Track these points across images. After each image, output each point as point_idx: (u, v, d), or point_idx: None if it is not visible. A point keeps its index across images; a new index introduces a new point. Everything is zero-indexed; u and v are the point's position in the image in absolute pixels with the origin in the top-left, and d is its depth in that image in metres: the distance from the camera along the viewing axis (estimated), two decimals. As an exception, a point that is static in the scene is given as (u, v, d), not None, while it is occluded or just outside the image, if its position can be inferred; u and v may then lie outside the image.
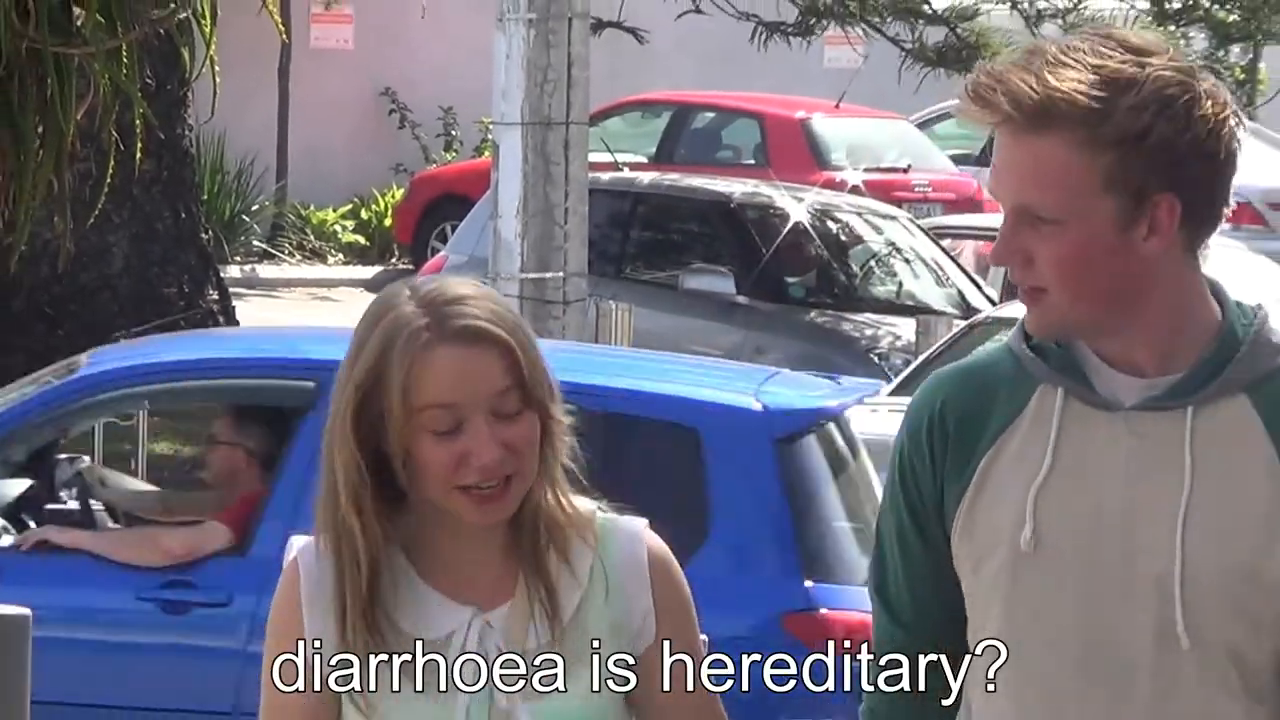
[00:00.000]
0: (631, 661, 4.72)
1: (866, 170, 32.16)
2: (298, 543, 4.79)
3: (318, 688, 4.72)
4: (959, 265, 26.85)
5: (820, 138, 33.42)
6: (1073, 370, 4.59)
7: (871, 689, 4.87)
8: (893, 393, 19.94)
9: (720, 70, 35.96)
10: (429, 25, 38.73)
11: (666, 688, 4.74)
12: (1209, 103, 4.43)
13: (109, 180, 10.56)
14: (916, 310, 24.84)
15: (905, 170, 34.22)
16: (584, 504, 4.77)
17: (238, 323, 28.53)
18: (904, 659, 4.81)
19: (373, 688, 4.70)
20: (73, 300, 25.48)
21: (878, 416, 18.57)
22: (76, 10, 10.18)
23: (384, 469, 4.66)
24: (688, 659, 4.76)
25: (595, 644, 4.72)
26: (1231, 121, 4.47)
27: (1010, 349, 4.72)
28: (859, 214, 27.27)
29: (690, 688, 4.76)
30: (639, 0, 28.34)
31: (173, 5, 10.36)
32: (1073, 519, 4.57)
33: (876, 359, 24.30)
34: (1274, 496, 4.54)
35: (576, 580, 4.74)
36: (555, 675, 4.68)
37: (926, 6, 27.70)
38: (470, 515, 4.66)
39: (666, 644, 4.75)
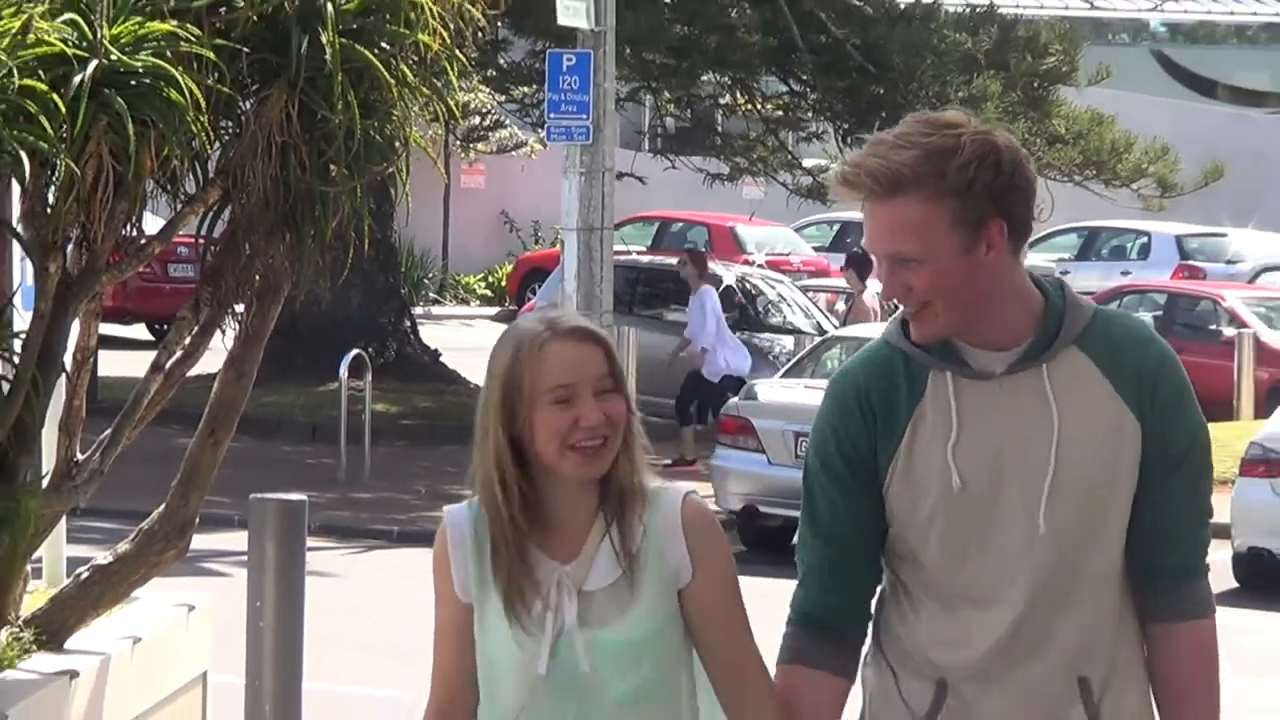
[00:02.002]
0: (673, 597, 4.67)
1: (766, 255, 33.05)
2: (449, 510, 4.85)
3: (464, 600, 4.74)
4: (817, 307, 27.72)
5: (741, 236, 33.74)
6: (952, 356, 4.65)
7: (795, 611, 4.81)
8: (782, 376, 22.23)
9: (687, 199, 35.02)
10: (526, 175, 41.88)
11: (704, 608, 4.68)
12: (1008, 150, 4.56)
13: (349, 259, 9.19)
14: (794, 331, 26.52)
15: (787, 255, 33.74)
16: (649, 478, 4.73)
17: (423, 341, 30.80)
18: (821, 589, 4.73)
19: (493, 615, 4.70)
20: (328, 328, 26.03)
21: (775, 389, 21.03)
22: (332, 168, 8.79)
23: (516, 450, 4.66)
24: (718, 586, 4.69)
25: (643, 585, 4.65)
26: (1025, 158, 4.61)
27: (898, 349, 4.72)
28: (762, 279, 28.46)
29: (721, 605, 4.69)
30: (642, 159, 30.71)
31: (384, 164, 8.99)
32: (980, 464, 4.61)
33: (771, 358, 25.30)
34: (1117, 414, 4.63)
35: (636, 537, 4.66)
36: (609, 611, 4.65)
37: (800, 168, 29.25)
38: (575, 470, 4.64)
39: (702, 584, 4.67)
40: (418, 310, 35.82)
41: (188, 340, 9.40)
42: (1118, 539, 4.67)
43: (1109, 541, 4.67)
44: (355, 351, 23.18)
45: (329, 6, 8.67)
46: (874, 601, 4.81)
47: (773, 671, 4.78)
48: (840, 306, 27.51)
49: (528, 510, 4.66)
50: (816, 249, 34.69)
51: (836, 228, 34.71)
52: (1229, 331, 27.65)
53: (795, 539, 4.91)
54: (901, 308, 4.71)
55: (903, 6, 27.68)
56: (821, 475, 4.71)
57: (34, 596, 9.62)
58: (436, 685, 4.85)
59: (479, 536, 4.74)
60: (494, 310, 44.07)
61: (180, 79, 8.30)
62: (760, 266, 30.26)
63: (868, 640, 4.83)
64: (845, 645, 4.76)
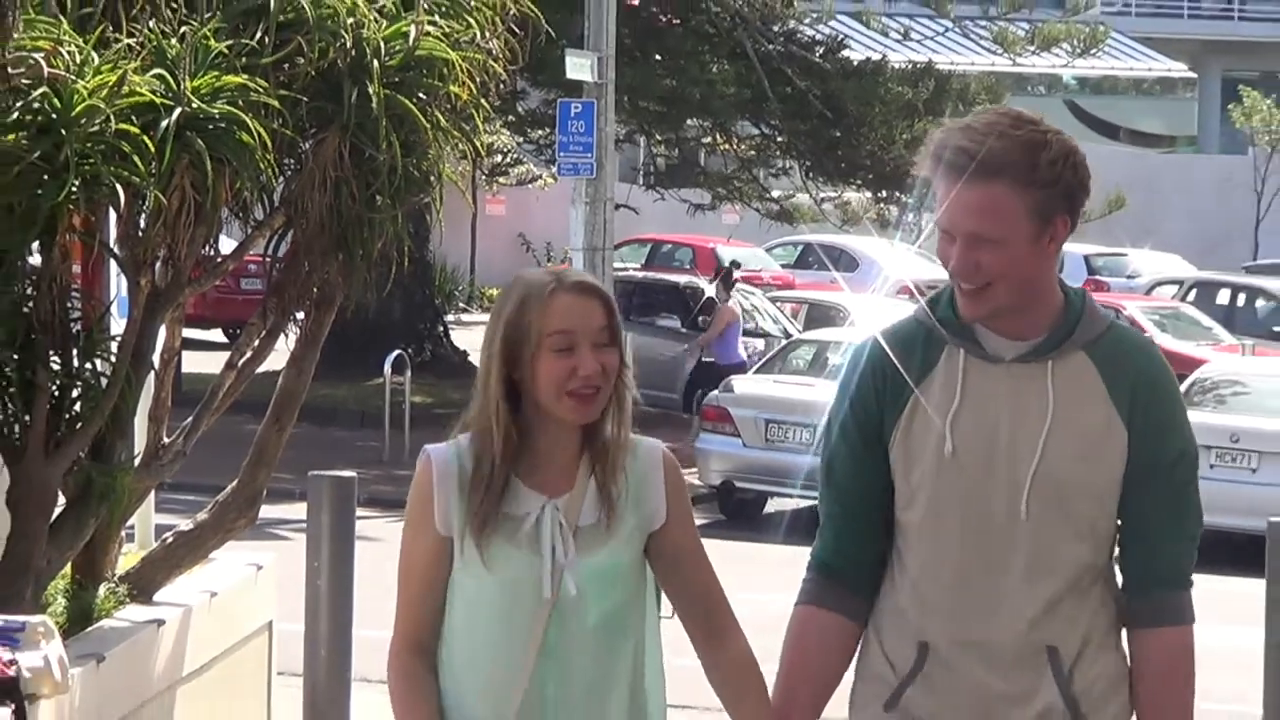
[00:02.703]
0: (650, 532, 4.45)
1: (744, 271, 31.22)
2: (430, 448, 4.47)
3: (443, 534, 4.41)
4: (785, 315, 27.20)
5: (720, 256, 32.23)
6: (969, 336, 4.37)
7: (816, 551, 4.57)
8: (755, 373, 21.77)
9: (674, 224, 34.54)
10: (541, 204, 41.48)
11: (676, 549, 4.46)
12: (1082, 154, 4.32)
13: (391, 275, 9.05)
14: (764, 335, 26.02)
15: (759, 271, 32.97)
16: (629, 432, 4.46)
17: (453, 343, 30.58)
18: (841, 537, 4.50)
19: (478, 539, 4.36)
20: (374, 332, 25.73)
21: (749, 383, 20.85)
22: (378, 198, 8.78)
23: (514, 391, 4.36)
24: (687, 529, 4.49)
25: (626, 520, 4.42)
26: (1085, 161, 4.36)
27: (921, 323, 4.43)
28: (739, 291, 27.03)
29: (690, 546, 4.48)
30: (637, 191, 30.74)
31: (421, 195, 9.01)
32: (975, 436, 4.34)
33: (748, 356, 24.54)
34: (1106, 419, 4.34)
35: (620, 478, 4.41)
36: (595, 542, 4.39)
37: (769, 198, 29.31)
38: (570, 413, 4.34)
39: (675, 526, 4.46)
40: (449, 317, 35.55)
41: (256, 342, 9.44)
42: (1093, 536, 4.36)
43: (1084, 536, 4.35)
44: (397, 352, 23.44)
45: (375, 63, 8.67)
46: (885, 554, 4.53)
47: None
48: (802, 315, 27.38)
49: (517, 447, 4.37)
50: (784, 266, 34.29)
51: (800, 248, 34.69)
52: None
53: (818, 495, 4.65)
54: (923, 291, 4.67)
55: (855, 63, 27.57)
56: (836, 431, 4.49)
57: (127, 558, 9.62)
58: (405, 614, 4.49)
59: (464, 472, 4.42)
60: (515, 318, 44.57)
61: (250, 124, 8.30)
62: (737, 280, 28.98)
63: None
64: (856, 591, 4.52)
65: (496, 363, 4.35)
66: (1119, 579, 4.49)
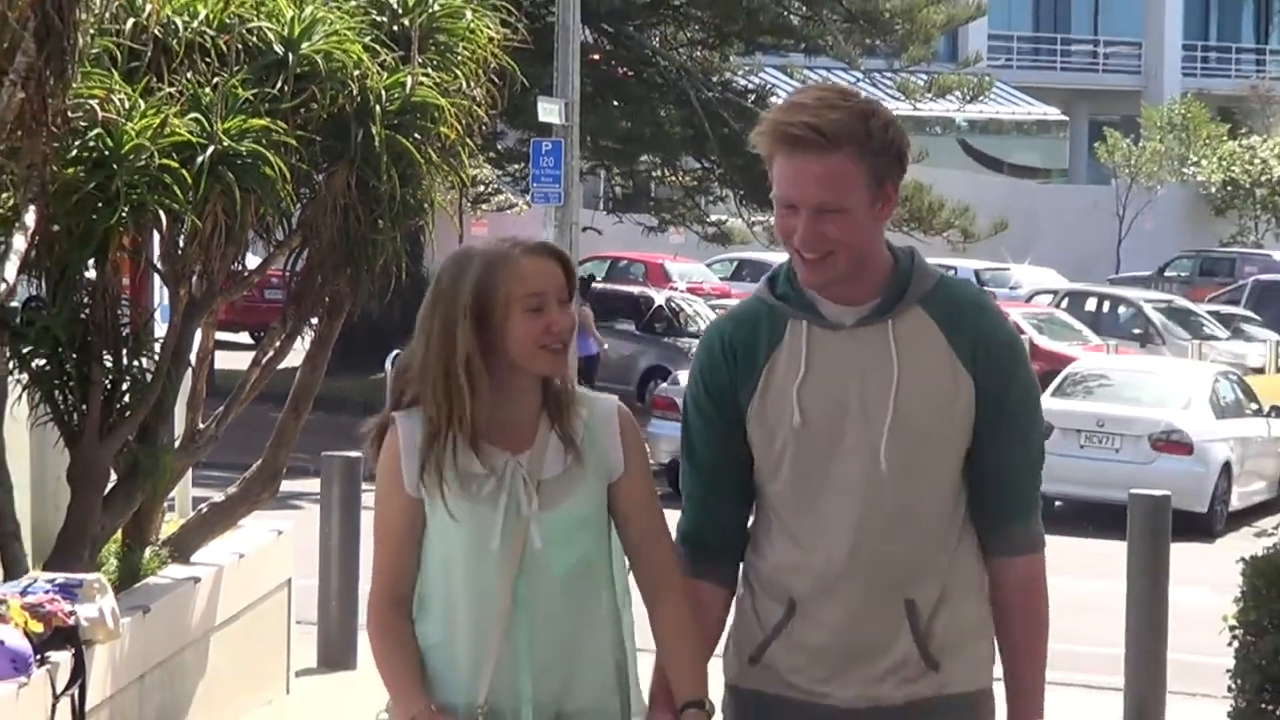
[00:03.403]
0: (609, 483, 3.94)
1: (686, 283, 31.63)
2: (397, 414, 3.92)
3: (414, 495, 3.88)
4: None
5: (669, 270, 32.25)
6: (809, 308, 3.86)
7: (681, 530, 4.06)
8: None
9: (630, 243, 32.84)
10: (517, 227, 38.19)
11: (631, 501, 3.96)
12: (897, 121, 3.84)
13: (392, 286, 8.97)
14: None
15: (701, 283, 32.31)
16: (579, 388, 4.00)
17: None
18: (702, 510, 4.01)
19: (447, 497, 3.85)
20: (376, 334, 23.65)
21: None
22: (380, 222, 8.82)
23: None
24: (642, 482, 3.99)
25: (585, 474, 3.91)
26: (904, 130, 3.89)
27: (762, 300, 3.91)
28: (683, 300, 27.48)
29: (645, 501, 3.98)
30: (599, 216, 30.34)
31: (417, 219, 8.96)
32: (824, 403, 3.83)
33: (689, 355, 22.01)
34: (952, 370, 3.85)
35: (579, 431, 3.91)
36: (558, 494, 3.88)
37: (709, 222, 29.40)
38: (548, 367, 3.87)
39: (631, 477, 3.95)
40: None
41: (278, 343, 9.38)
42: (949, 479, 3.87)
43: (940, 482, 3.87)
44: (396, 351, 21.53)
45: (377, 108, 8.66)
46: (748, 523, 4.05)
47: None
48: None
49: (478, 407, 3.85)
50: (721, 279, 33.85)
51: (735, 263, 34.65)
52: (1020, 336, 27.08)
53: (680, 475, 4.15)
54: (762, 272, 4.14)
55: None
56: (694, 413, 3.95)
57: (169, 525, 9.58)
58: (382, 571, 3.96)
59: (424, 435, 3.87)
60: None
61: (272, 159, 8.29)
62: (682, 291, 29.37)
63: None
64: (721, 559, 4.02)
65: (467, 328, 3.80)
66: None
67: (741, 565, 4.06)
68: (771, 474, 3.91)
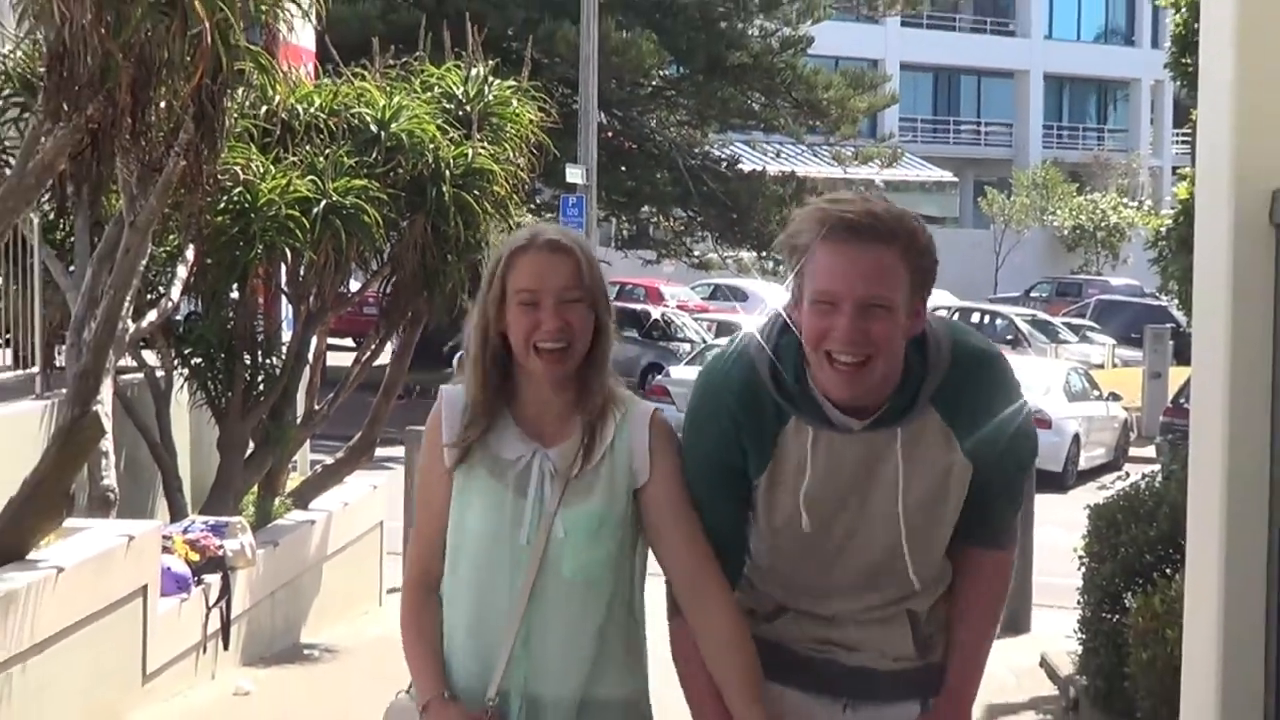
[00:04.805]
0: (637, 486, 2.84)
1: (676, 301, 29.73)
2: (444, 388, 2.92)
3: (449, 473, 2.84)
4: (702, 329, 25.10)
5: (663, 292, 30.17)
6: (816, 412, 2.69)
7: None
8: (685, 365, 20.54)
9: (635, 272, 30.53)
10: None
11: (657, 508, 2.83)
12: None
13: (458, 305, 8.57)
14: (688, 340, 24.42)
15: (687, 301, 30.40)
16: (618, 386, 2.88)
17: None
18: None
19: (470, 485, 2.83)
20: (446, 340, 22.85)
21: (680, 370, 19.44)
22: (449, 257, 8.59)
23: (497, 345, 2.84)
24: (670, 490, 2.82)
25: (614, 473, 2.84)
26: None
27: (764, 388, 2.73)
28: (674, 314, 26.01)
29: (673, 509, 2.82)
30: (611, 252, 29.30)
31: (477, 256, 8.56)
32: (828, 505, 2.73)
33: (679, 354, 23.17)
34: (951, 462, 2.73)
35: (609, 432, 2.84)
36: (585, 492, 2.82)
37: (693, 255, 28.71)
38: (540, 369, 2.82)
39: (658, 483, 2.83)
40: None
41: (373, 347, 9.38)
42: (946, 538, 2.84)
43: (940, 544, 2.83)
44: (461, 352, 22.62)
45: (447, 172, 8.63)
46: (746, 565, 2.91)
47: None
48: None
49: (508, 394, 2.87)
50: (702, 298, 32.50)
51: (712, 287, 34.14)
52: None
53: None
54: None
55: (746, 172, 27.16)
56: (703, 481, 2.80)
57: (292, 480, 9.55)
58: (418, 546, 2.93)
59: (461, 413, 2.91)
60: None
61: (369, 210, 8.28)
62: (672, 308, 28.33)
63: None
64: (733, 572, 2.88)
65: (488, 316, 2.84)
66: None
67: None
68: (768, 535, 2.82)
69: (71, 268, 7.79)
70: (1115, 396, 19.37)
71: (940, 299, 35.48)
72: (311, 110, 8.60)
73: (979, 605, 2.92)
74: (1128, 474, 8.06)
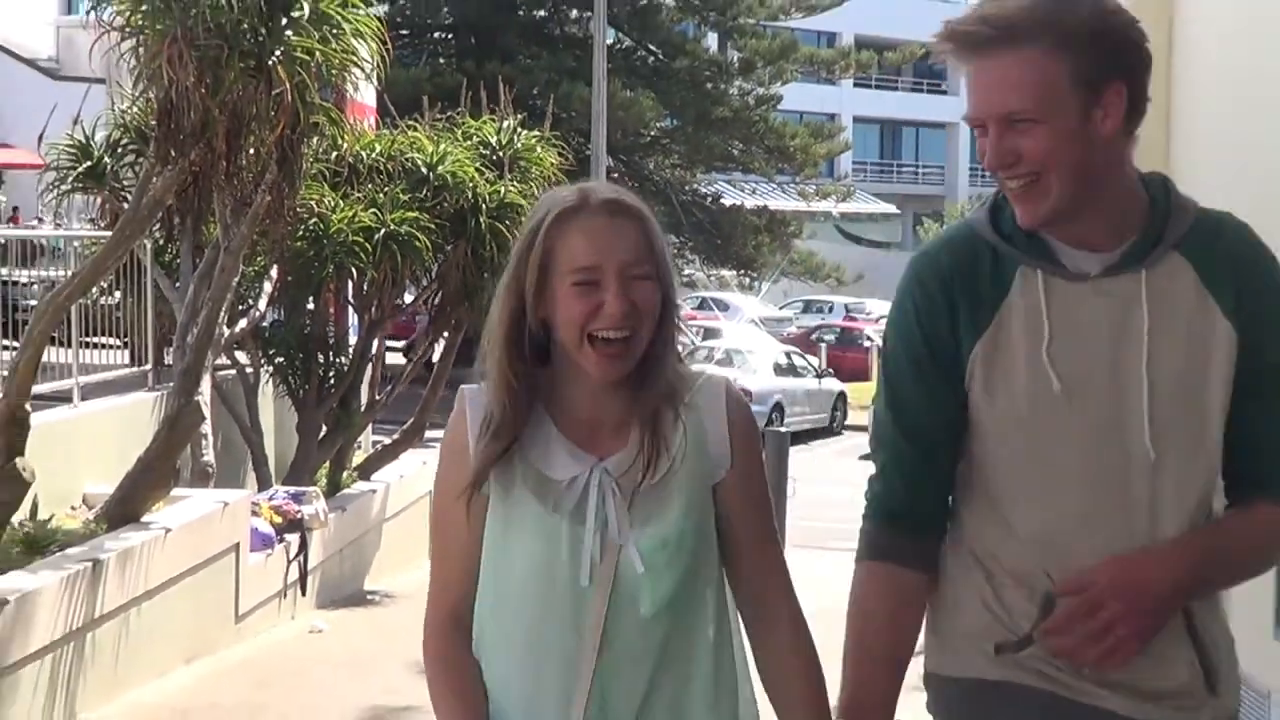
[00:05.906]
0: (712, 486, 1.80)
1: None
2: (466, 387, 1.84)
3: (480, 494, 1.79)
4: (692, 332, 23.65)
5: None
6: (1044, 253, 1.84)
7: (871, 512, 1.91)
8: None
9: None
10: None
11: (735, 499, 1.81)
12: (1121, 9, 1.81)
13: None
14: (681, 344, 26.23)
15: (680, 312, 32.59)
16: (686, 368, 1.83)
17: None
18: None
19: (514, 505, 1.77)
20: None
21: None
22: (485, 275, 8.12)
23: (534, 332, 1.77)
24: (751, 479, 1.82)
25: (687, 479, 1.78)
26: (1133, 20, 1.81)
27: (981, 236, 1.88)
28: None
29: (752, 500, 1.83)
30: None
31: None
32: (1075, 371, 1.79)
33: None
34: (1210, 321, 1.81)
35: (679, 429, 1.76)
36: (658, 505, 1.76)
37: (683, 275, 27.76)
38: (596, 370, 1.75)
39: (738, 469, 1.79)
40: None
41: (422, 349, 9.46)
42: (1208, 458, 1.85)
43: (1201, 460, 1.85)
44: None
45: (483, 206, 8.60)
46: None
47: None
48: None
49: (544, 394, 1.82)
50: (692, 308, 32.39)
51: (699, 299, 34.27)
52: (868, 343, 26.35)
53: (870, 428, 2.42)
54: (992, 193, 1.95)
55: (727, 205, 26.87)
56: (904, 361, 1.90)
57: (357, 457, 9.50)
58: (440, 579, 1.86)
59: (484, 421, 1.84)
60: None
61: (420, 237, 8.28)
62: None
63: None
64: (928, 539, 1.92)
65: (531, 289, 1.78)
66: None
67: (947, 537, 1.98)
68: (999, 440, 1.88)
69: (177, 284, 7.83)
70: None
71: (886, 308, 36.45)
72: (373, 155, 8.62)
73: (1252, 556, 1.90)
74: None
